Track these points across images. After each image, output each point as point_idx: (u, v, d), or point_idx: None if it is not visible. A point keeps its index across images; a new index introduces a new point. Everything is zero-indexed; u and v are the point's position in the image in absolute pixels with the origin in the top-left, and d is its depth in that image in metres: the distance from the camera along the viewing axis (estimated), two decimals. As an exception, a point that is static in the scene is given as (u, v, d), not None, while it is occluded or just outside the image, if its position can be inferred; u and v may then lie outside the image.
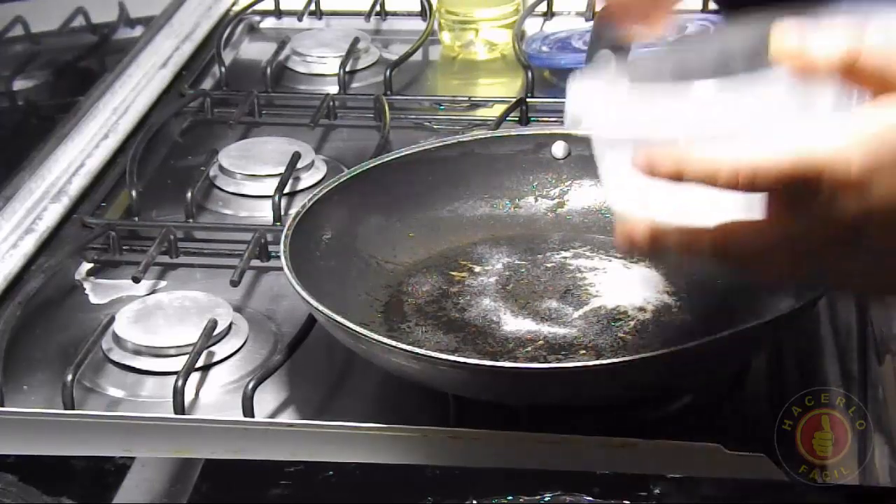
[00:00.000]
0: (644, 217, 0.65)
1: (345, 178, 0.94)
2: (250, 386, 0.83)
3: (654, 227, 0.64)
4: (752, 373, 0.87)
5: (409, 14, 1.41)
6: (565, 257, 0.94)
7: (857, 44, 0.61)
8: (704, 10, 1.35)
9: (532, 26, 1.36)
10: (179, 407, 0.83)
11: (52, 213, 1.05)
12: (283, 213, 1.03)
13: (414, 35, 1.34)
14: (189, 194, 1.04)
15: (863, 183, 0.59)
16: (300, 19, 1.39)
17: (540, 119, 1.19)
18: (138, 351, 0.90)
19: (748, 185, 0.60)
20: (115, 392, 0.88)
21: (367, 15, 1.39)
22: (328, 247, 0.91)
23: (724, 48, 0.68)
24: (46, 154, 1.10)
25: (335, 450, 0.78)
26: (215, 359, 0.90)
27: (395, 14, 1.41)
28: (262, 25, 1.43)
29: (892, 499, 0.75)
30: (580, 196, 0.98)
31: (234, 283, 0.95)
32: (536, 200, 0.98)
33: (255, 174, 1.09)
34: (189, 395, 0.85)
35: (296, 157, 1.09)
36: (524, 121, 1.18)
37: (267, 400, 0.86)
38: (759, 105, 0.64)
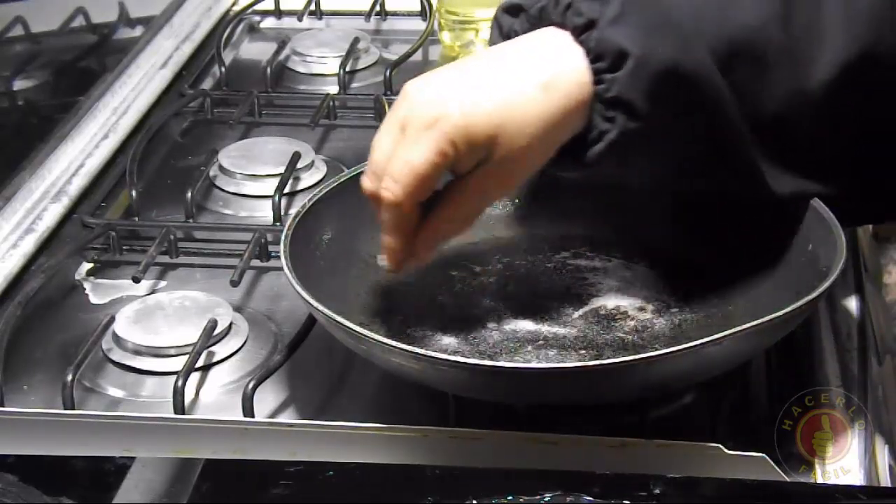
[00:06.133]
0: None
1: (345, 178, 0.93)
2: (250, 386, 0.83)
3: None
4: (752, 373, 0.87)
5: (409, 14, 1.41)
6: (565, 257, 0.94)
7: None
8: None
9: (532, 26, 1.36)
10: (179, 407, 0.83)
11: (52, 213, 1.05)
12: (283, 213, 1.03)
13: (414, 35, 1.34)
14: (189, 194, 1.04)
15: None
16: (300, 19, 1.39)
17: (540, 119, 1.19)
18: (138, 351, 0.90)
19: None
20: (115, 392, 0.88)
21: (367, 15, 1.39)
22: (328, 247, 0.91)
23: None
24: (46, 154, 1.10)
25: (335, 450, 0.78)
26: (215, 359, 0.90)
27: (395, 14, 1.41)
28: (262, 25, 1.43)
29: (893, 499, 0.75)
30: (580, 195, 0.98)
31: (234, 283, 0.95)
32: (536, 200, 0.98)
33: (255, 174, 1.09)
34: (189, 395, 0.85)
35: (296, 157, 1.09)
36: (524, 121, 1.18)
37: (267, 400, 0.86)
38: None
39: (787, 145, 0.83)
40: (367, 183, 0.82)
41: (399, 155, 0.79)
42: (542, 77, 0.80)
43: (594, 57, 0.79)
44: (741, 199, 0.87)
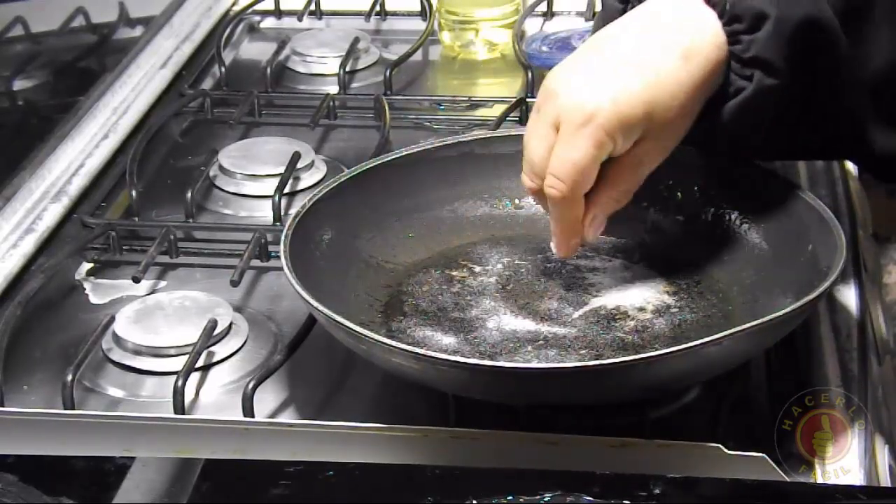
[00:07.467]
0: None
1: (345, 178, 0.94)
2: (250, 386, 0.83)
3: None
4: (752, 373, 0.87)
5: (409, 14, 1.41)
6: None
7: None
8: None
9: (532, 26, 1.36)
10: (179, 407, 0.83)
11: (52, 213, 1.05)
12: (283, 213, 1.03)
13: (414, 35, 1.34)
14: (189, 194, 1.04)
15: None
16: (300, 19, 1.39)
17: (540, 119, 1.19)
18: (138, 351, 0.90)
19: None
20: (115, 392, 0.88)
21: (367, 15, 1.39)
22: (328, 247, 0.91)
23: None
24: (46, 154, 1.11)
25: (335, 450, 0.78)
26: (215, 359, 0.90)
27: (395, 14, 1.41)
28: (262, 25, 1.43)
29: (893, 499, 0.75)
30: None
31: (234, 283, 0.95)
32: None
33: (255, 174, 1.09)
34: (189, 395, 0.85)
35: (296, 157, 1.09)
36: (524, 121, 1.18)
37: (267, 400, 0.86)
38: None
39: (892, 103, 0.84)
40: (529, 182, 0.85)
41: (560, 154, 0.81)
42: (681, 45, 0.81)
43: (729, 18, 0.81)
44: (841, 157, 0.90)
